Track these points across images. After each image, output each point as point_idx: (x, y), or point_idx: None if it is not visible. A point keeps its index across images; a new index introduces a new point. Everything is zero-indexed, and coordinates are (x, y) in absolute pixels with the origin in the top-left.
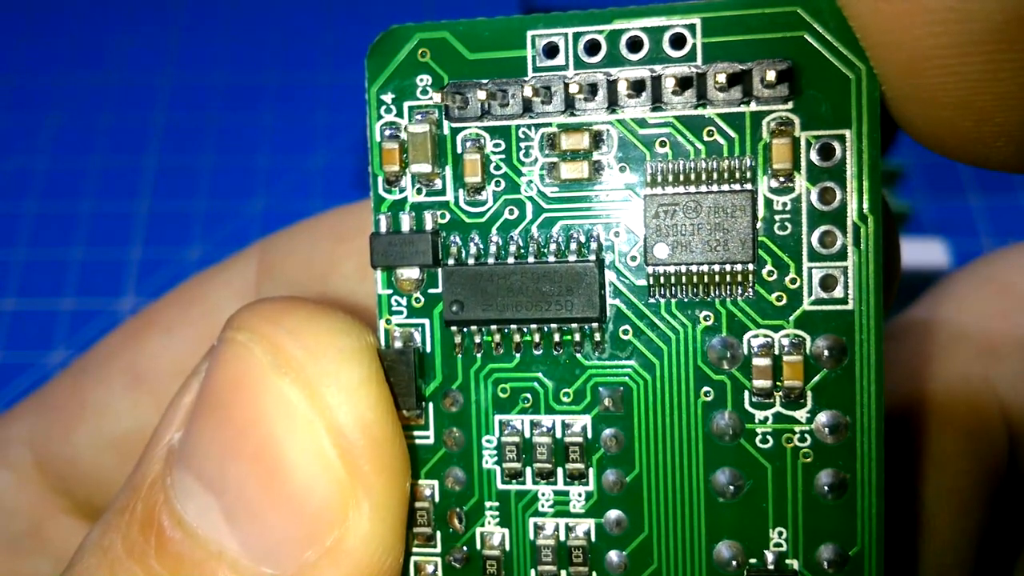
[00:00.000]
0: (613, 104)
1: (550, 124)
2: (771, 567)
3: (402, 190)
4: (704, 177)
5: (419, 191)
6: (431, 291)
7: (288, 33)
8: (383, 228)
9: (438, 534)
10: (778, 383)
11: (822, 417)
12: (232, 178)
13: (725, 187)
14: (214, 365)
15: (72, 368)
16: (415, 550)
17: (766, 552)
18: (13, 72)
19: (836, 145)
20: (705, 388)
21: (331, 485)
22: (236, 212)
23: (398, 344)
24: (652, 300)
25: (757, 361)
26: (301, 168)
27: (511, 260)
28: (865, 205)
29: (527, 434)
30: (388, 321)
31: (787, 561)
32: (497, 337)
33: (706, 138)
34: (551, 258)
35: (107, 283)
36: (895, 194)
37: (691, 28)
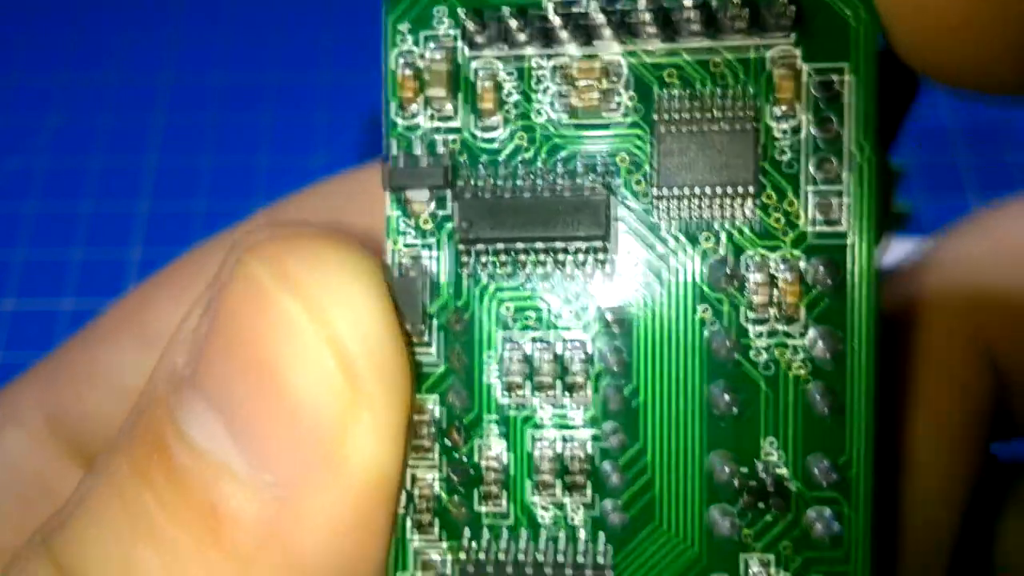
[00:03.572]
0: (625, 35)
1: (564, 55)
2: (763, 477)
3: (414, 115)
4: (711, 105)
5: (432, 117)
6: (440, 212)
7: (288, 33)
8: (394, 152)
9: (436, 447)
10: (774, 302)
11: (816, 334)
12: (232, 178)
13: (730, 114)
14: (219, 288)
15: (83, 332)
16: (413, 463)
17: (758, 463)
18: (13, 72)
19: (835, 78)
20: (703, 306)
21: (331, 398)
22: (236, 212)
23: (405, 262)
24: (654, 220)
25: (754, 278)
26: (301, 168)
27: (521, 183)
28: (862, 134)
29: (529, 351)
30: (395, 242)
31: (779, 472)
32: (503, 257)
33: (712, 69)
34: (560, 182)
35: (107, 283)
36: (895, 194)
37: None
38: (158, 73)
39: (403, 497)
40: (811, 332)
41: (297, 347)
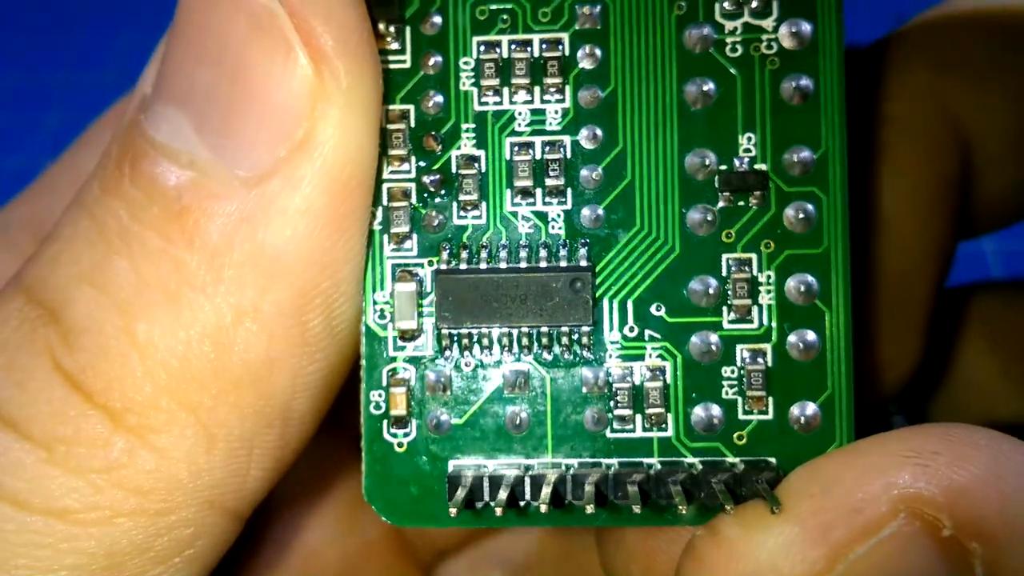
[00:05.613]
0: None
1: None
2: (741, 171)
3: None
4: None
5: None
6: None
7: None
8: None
9: (413, 158)
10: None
11: (786, 25)
12: None
13: None
14: None
15: (69, 150)
16: (389, 176)
17: (735, 160)
18: (13, 72)
19: None
20: (679, 2)
21: (298, 82)
22: None
23: None
24: None
25: None
26: None
27: None
28: None
29: (505, 54)
30: None
31: (756, 166)
32: None
33: None
34: None
35: None
36: None
37: None
38: None
39: (379, 212)
40: (783, 24)
41: (261, 33)
